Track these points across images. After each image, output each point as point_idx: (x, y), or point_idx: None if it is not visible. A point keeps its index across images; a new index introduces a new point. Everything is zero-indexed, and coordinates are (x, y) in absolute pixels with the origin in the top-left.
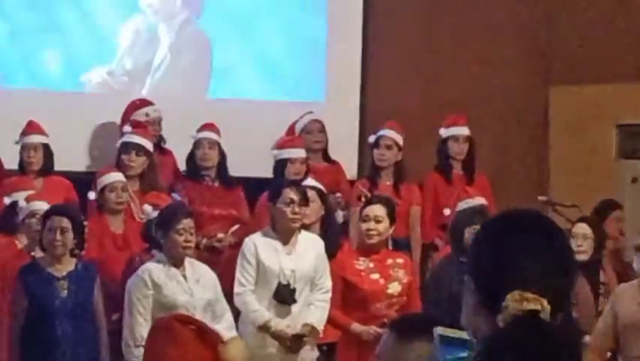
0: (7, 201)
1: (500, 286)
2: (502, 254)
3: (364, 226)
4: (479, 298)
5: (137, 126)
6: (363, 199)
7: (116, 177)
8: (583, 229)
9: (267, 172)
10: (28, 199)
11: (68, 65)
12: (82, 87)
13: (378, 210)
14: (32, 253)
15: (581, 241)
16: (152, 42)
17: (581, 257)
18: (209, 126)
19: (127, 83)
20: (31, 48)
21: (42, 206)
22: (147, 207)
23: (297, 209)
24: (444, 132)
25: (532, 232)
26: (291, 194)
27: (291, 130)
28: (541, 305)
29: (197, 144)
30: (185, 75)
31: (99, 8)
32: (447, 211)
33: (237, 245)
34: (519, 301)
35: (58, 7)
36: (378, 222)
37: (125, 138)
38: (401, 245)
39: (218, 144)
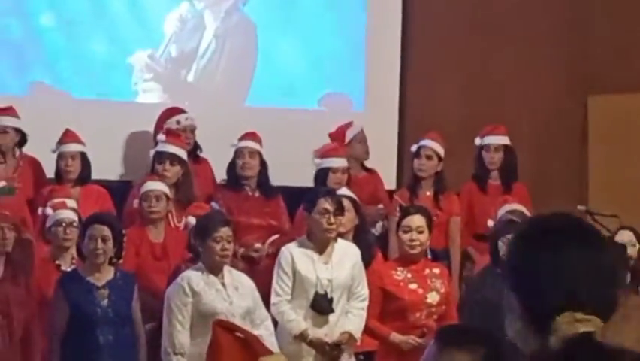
0: (45, 210)
1: (547, 306)
2: (545, 270)
3: (406, 236)
4: (525, 316)
5: (171, 135)
6: (398, 211)
7: (150, 185)
8: (628, 236)
9: (308, 181)
10: (54, 207)
11: (106, 71)
12: (118, 96)
13: (418, 220)
14: (57, 262)
15: (630, 248)
16: (197, 29)
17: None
18: (250, 135)
19: (171, 70)
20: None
21: (68, 215)
22: (191, 219)
23: (332, 219)
24: (479, 141)
25: (575, 242)
26: (325, 204)
27: (339, 137)
28: (594, 326)
29: (238, 152)
30: (226, 81)
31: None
32: (490, 222)
33: (275, 255)
34: (571, 323)
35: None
36: (420, 232)
37: (159, 148)
38: (439, 256)
39: (259, 153)
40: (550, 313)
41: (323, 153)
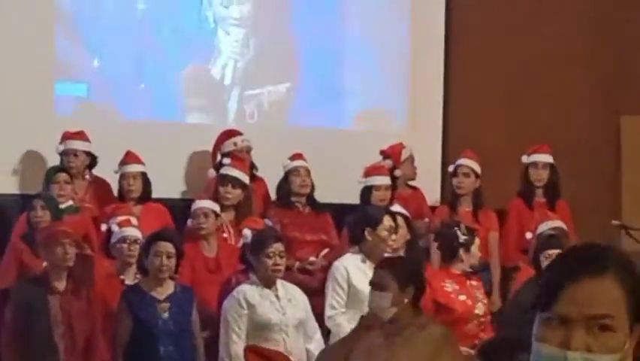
0: (107, 227)
1: None
2: None
3: (478, 254)
4: None
5: (235, 159)
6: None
7: (199, 204)
8: None
9: (352, 198)
10: (120, 225)
11: (162, 95)
12: (176, 117)
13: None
14: (122, 277)
15: None
16: (242, 52)
17: None
18: (299, 155)
19: (218, 92)
20: (129, 80)
21: (133, 232)
22: (246, 231)
23: (394, 236)
24: (526, 159)
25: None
26: (390, 222)
27: (394, 155)
28: None
29: (293, 171)
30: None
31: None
32: (529, 235)
33: (327, 267)
34: None
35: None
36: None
37: (223, 171)
38: (478, 269)
39: (309, 172)
40: None
41: (367, 172)
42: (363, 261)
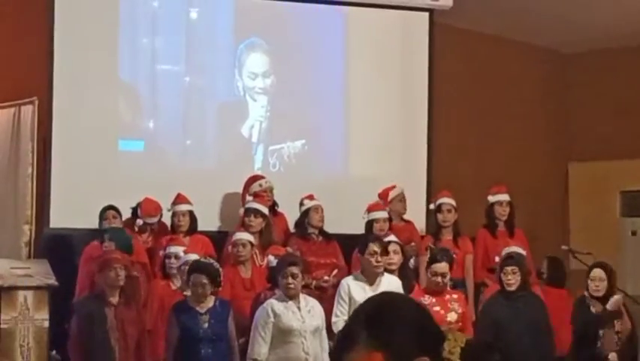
0: (165, 252)
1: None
2: None
3: (435, 279)
4: None
5: (256, 196)
6: (428, 251)
7: (239, 235)
8: (599, 273)
9: (355, 230)
10: (185, 251)
11: (203, 149)
12: (214, 166)
13: (444, 267)
14: (185, 293)
15: (598, 282)
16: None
17: (597, 294)
18: (312, 196)
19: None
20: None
21: (192, 258)
22: (271, 258)
23: (379, 258)
24: (491, 198)
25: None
26: (374, 247)
27: (383, 196)
28: None
29: (313, 209)
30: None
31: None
32: (497, 258)
33: (336, 285)
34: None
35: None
36: (443, 276)
37: (247, 205)
38: (458, 284)
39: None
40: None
41: (369, 208)
42: (362, 279)
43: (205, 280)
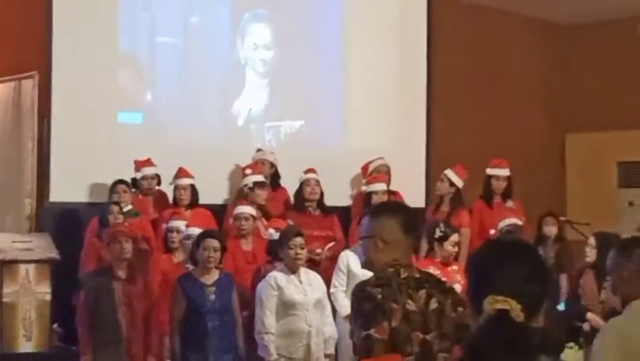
0: (167, 226)
1: (480, 293)
2: (480, 268)
3: (452, 249)
4: (471, 304)
5: (253, 167)
6: (439, 232)
7: (240, 209)
8: (591, 240)
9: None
10: (187, 225)
11: (202, 122)
12: (213, 140)
13: (457, 237)
14: (187, 266)
15: (590, 249)
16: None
17: (588, 260)
18: (312, 170)
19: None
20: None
21: (195, 231)
22: (272, 231)
23: None
24: (489, 171)
25: (505, 250)
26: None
27: (364, 169)
28: (510, 305)
29: (305, 182)
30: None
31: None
32: (492, 231)
33: (333, 258)
34: (492, 303)
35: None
36: (454, 246)
37: (252, 178)
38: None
39: (319, 183)
40: (481, 297)
41: (368, 181)
42: (360, 253)
43: (217, 245)
